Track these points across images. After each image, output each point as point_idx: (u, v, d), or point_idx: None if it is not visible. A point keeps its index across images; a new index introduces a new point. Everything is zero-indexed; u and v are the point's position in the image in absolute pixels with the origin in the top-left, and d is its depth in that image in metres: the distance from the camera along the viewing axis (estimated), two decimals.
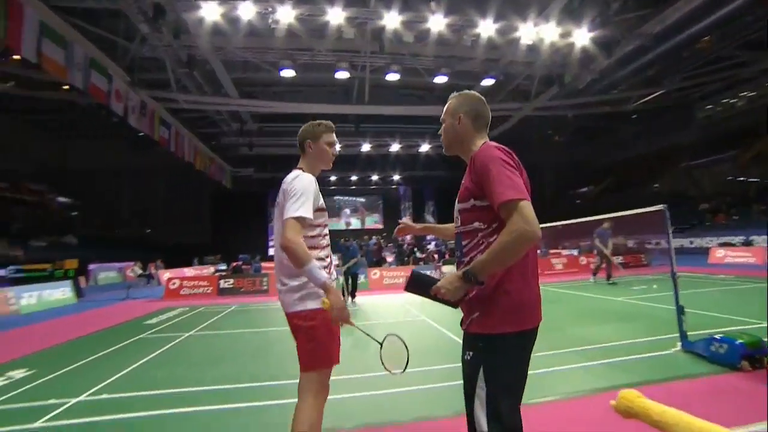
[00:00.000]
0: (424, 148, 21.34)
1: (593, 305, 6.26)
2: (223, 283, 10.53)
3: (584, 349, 3.96)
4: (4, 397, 3.40)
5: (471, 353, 1.43)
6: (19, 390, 3.58)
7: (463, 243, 1.57)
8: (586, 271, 11.39)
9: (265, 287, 10.62)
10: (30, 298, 9.01)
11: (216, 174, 20.08)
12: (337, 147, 2.04)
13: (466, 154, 1.66)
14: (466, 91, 1.70)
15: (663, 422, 1.04)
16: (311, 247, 1.87)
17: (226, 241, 24.81)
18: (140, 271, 14.35)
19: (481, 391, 1.36)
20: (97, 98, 10.11)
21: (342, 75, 12.87)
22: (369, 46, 11.67)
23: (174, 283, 10.18)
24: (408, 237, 21.50)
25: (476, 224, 1.52)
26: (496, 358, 1.39)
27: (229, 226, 25.78)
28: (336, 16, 10.23)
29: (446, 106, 1.70)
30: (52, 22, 8.27)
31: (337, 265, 7.91)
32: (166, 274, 13.46)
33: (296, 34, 11.03)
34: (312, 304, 1.77)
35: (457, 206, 1.62)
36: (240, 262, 15.04)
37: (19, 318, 8.02)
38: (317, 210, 1.91)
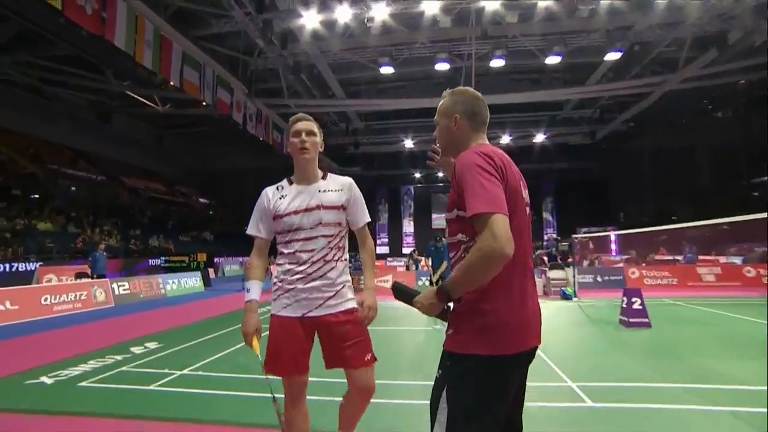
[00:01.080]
0: (539, 138, 19.99)
1: (757, 333, 5.27)
2: None
3: (737, 389, 3.35)
4: (139, 362, 4.43)
5: (440, 371, 1.35)
6: (149, 358, 4.58)
7: (450, 255, 1.47)
8: (755, 285, 9.58)
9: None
10: (173, 284, 11.48)
11: None
12: (304, 135, 1.93)
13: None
14: (461, 88, 1.56)
15: None
16: (282, 262, 1.87)
17: None
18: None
19: (442, 411, 1.28)
20: (223, 110, 12.50)
21: (442, 66, 12.85)
22: (469, 32, 11.58)
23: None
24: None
25: (459, 236, 1.41)
26: (461, 379, 1.28)
27: None
28: (430, 6, 10.41)
29: (439, 106, 1.56)
30: (190, 49, 10.64)
31: (430, 274, 7.39)
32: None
33: (392, 30, 11.63)
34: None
35: (445, 216, 1.49)
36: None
37: (165, 300, 10.35)
38: (275, 217, 1.87)
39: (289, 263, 1.82)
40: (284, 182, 1.91)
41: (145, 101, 16.22)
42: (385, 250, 27.13)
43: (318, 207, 1.84)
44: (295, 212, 1.83)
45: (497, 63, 12.45)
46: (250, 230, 1.90)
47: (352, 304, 1.89)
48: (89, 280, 9.96)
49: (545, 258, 14.36)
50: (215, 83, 11.60)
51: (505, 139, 19.78)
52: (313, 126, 1.95)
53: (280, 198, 1.85)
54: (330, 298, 1.83)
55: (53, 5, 6.98)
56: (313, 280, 1.82)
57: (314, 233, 1.82)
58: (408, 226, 27.93)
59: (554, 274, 10.19)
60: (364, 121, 20.36)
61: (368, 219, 1.92)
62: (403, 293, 1.39)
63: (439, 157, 1.65)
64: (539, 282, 10.19)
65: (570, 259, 11.02)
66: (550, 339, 5.11)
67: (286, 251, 1.83)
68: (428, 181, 27.74)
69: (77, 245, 14.60)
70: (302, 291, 1.82)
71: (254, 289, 1.82)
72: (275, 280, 1.89)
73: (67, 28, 9.71)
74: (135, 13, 8.63)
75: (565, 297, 9.24)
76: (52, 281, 11.03)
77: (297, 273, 1.80)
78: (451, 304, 1.36)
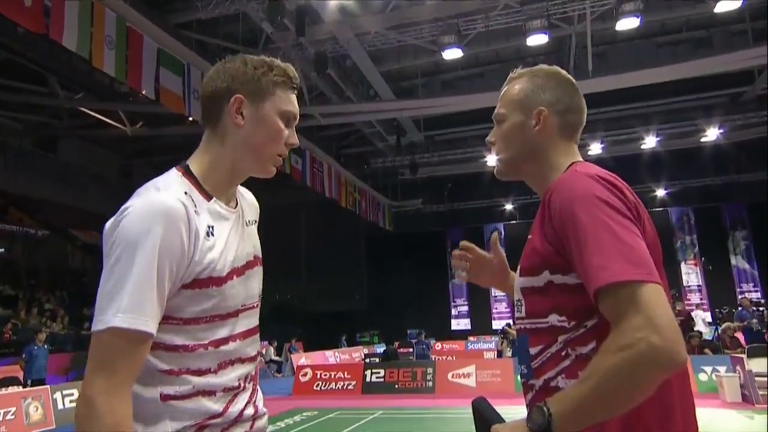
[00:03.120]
0: (713, 134, 18.99)
1: None
2: (370, 376, 11.31)
3: None
4: None
5: None
6: None
7: (531, 351, 1.41)
8: None
9: (430, 382, 10.92)
10: None
11: (370, 212, 22.30)
12: (293, 124, 1.59)
13: (541, 180, 1.52)
14: (545, 68, 1.58)
15: None
16: (181, 372, 1.37)
17: (390, 309, 26.77)
18: (272, 356, 16.68)
19: None
20: None
21: (538, 40, 12.91)
22: None
23: (305, 374, 11.48)
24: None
25: (553, 319, 1.37)
26: None
27: (392, 285, 27.84)
28: None
29: (507, 92, 1.60)
30: (169, 44, 10.97)
31: None
32: (301, 359, 15.32)
33: None
34: None
35: (518, 281, 1.47)
36: (397, 344, 15.87)
37: None
38: (198, 283, 1.37)
39: (206, 390, 1.39)
40: (189, 189, 1.39)
41: (105, 120, 17.02)
42: (463, 324, 26.97)
43: (256, 259, 1.56)
44: (237, 272, 1.46)
45: (629, 23, 12.40)
46: (133, 320, 1.22)
47: None
48: (19, 389, 10.06)
49: (739, 336, 13.59)
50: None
51: (651, 142, 19.21)
52: None
53: (208, 233, 1.39)
54: None
55: None
56: (247, 421, 1.48)
57: (254, 320, 1.54)
58: None
59: (760, 364, 9.66)
60: (423, 131, 20.71)
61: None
62: (479, 418, 1.35)
63: (500, 168, 1.63)
64: (731, 379, 9.93)
65: None
66: None
67: (200, 364, 1.39)
68: (527, 214, 27.07)
69: (5, 335, 14.95)
70: None
71: None
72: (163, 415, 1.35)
73: None
74: (90, 1, 8.93)
75: None
76: None
77: (226, 405, 1.42)
78: None
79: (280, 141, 1.49)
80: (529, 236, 1.45)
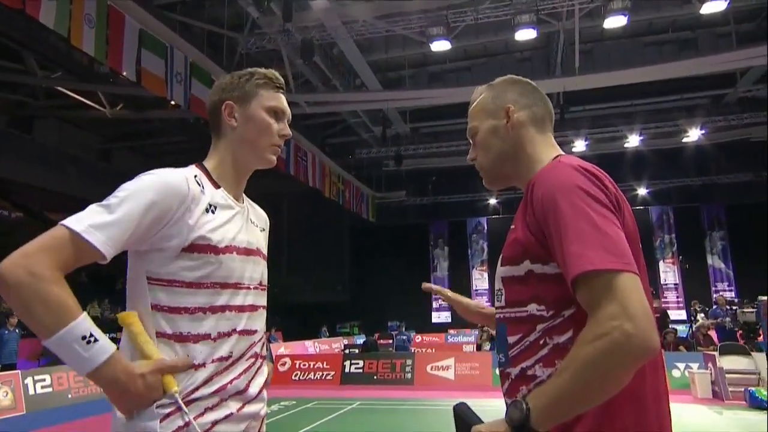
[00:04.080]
0: (695, 135, 19.27)
1: None
2: (349, 366, 11.35)
3: None
4: None
5: None
6: None
7: (510, 340, 1.44)
8: None
9: (409, 374, 10.98)
10: None
11: (354, 203, 22.25)
12: (286, 119, 1.80)
13: (527, 176, 1.52)
14: (500, 78, 1.66)
15: None
16: (181, 337, 1.51)
17: (372, 301, 26.85)
18: None
19: None
20: (200, 112, 12.56)
21: (526, 35, 12.96)
22: None
23: (284, 364, 11.48)
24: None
25: (532, 308, 1.39)
26: None
27: (374, 277, 27.90)
28: None
29: (473, 108, 1.66)
30: (152, 26, 10.82)
31: None
32: (280, 349, 15.31)
33: None
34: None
35: (499, 270, 1.51)
36: (377, 336, 15.93)
37: (106, 402, 10.43)
38: (195, 247, 1.53)
39: (226, 355, 1.58)
40: (198, 173, 1.66)
41: (84, 101, 16.78)
42: (443, 317, 27.07)
43: (258, 251, 1.76)
44: (237, 250, 1.65)
45: (616, 21, 12.58)
46: (90, 232, 1.41)
47: None
48: None
49: (712, 334, 14.07)
50: (188, 73, 11.71)
51: (634, 141, 19.48)
52: None
53: (208, 209, 1.62)
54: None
55: None
56: (251, 401, 1.63)
57: (259, 300, 1.73)
58: (479, 279, 27.94)
59: (731, 362, 10.07)
60: (409, 123, 20.76)
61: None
62: (459, 420, 1.37)
63: (487, 178, 1.66)
64: (703, 376, 10.29)
65: (761, 337, 11.03)
66: None
67: (198, 329, 1.55)
68: (510, 209, 27.29)
69: None
70: (240, 419, 1.59)
71: (97, 331, 1.40)
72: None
73: None
74: None
75: (756, 402, 8.99)
76: None
77: (230, 378, 1.58)
78: None
79: (271, 133, 1.71)
80: (512, 226, 1.48)
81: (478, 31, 14.95)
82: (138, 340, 1.47)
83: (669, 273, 25.99)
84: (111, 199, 1.47)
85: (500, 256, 1.51)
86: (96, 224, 1.41)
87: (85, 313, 1.38)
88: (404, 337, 15.26)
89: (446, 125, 21.01)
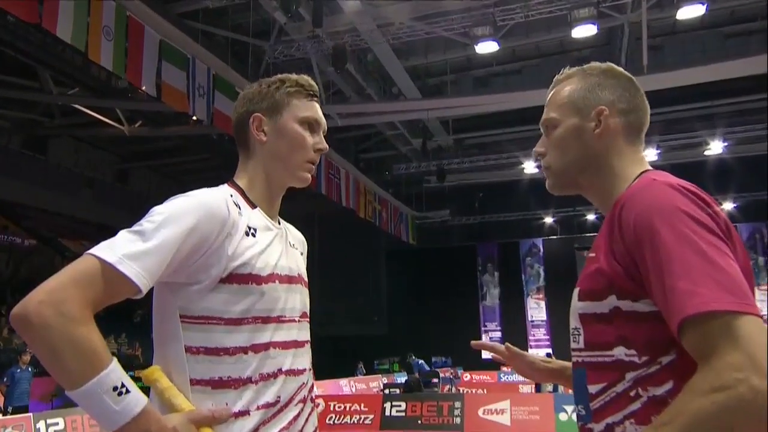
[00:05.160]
0: None
1: None
2: (389, 409, 11.24)
3: None
4: None
5: None
6: None
7: (591, 390, 1.38)
8: None
9: (458, 418, 10.84)
10: None
11: (391, 224, 22.32)
12: (322, 130, 1.79)
13: (603, 192, 1.49)
14: (599, 65, 1.56)
15: None
16: (220, 383, 1.48)
17: (412, 335, 26.66)
18: None
19: None
20: (224, 128, 12.84)
21: (585, 31, 12.84)
22: None
23: (317, 405, 11.34)
24: None
25: (620, 352, 1.33)
26: None
27: (415, 306, 27.76)
28: None
29: (557, 95, 1.57)
30: (172, 36, 11.17)
31: None
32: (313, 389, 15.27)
33: None
34: None
35: (576, 306, 1.44)
36: (427, 372, 15.76)
37: None
38: (235, 277, 1.51)
39: (273, 401, 1.53)
40: (234, 193, 1.64)
41: (101, 118, 17.33)
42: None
43: (300, 278, 1.74)
44: (280, 278, 1.63)
45: (692, 11, 12.37)
46: (125, 263, 1.35)
47: None
48: None
49: None
50: (211, 86, 12.00)
51: (717, 147, 19.32)
52: None
53: (248, 233, 1.59)
54: None
55: None
56: None
57: (303, 333, 1.69)
58: (535, 308, 27.36)
59: None
60: (452, 133, 20.76)
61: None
62: None
63: (553, 181, 1.59)
64: None
65: None
66: None
67: (240, 372, 1.51)
68: (568, 228, 27.06)
69: None
70: None
71: (129, 381, 1.37)
72: None
73: None
74: None
75: None
76: None
77: (279, 428, 1.53)
78: None
79: (305, 147, 1.69)
80: (591, 254, 1.42)
81: (528, 29, 14.93)
82: (165, 396, 1.44)
83: (764, 302, 24.99)
84: (145, 224, 1.43)
85: (576, 289, 1.45)
86: (130, 253, 1.35)
87: (115, 360, 1.34)
88: (452, 376, 15.02)
89: (494, 135, 20.96)
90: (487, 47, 13.29)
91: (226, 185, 1.67)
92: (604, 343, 1.35)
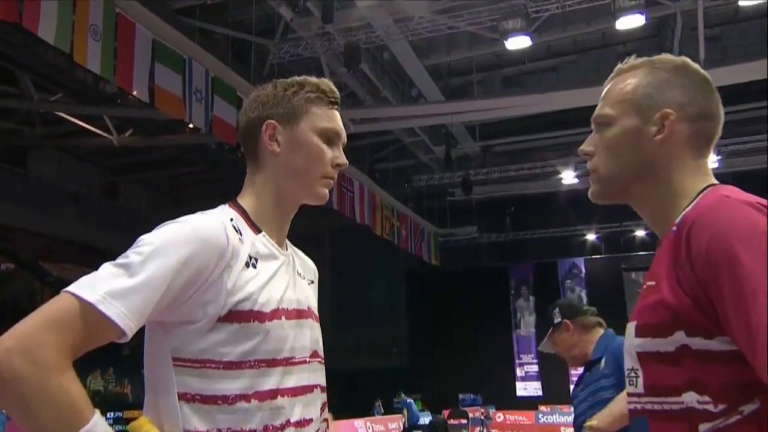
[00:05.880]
0: None
1: None
2: None
3: None
4: None
5: None
6: None
7: None
8: None
9: None
10: None
11: (412, 242, 22.29)
12: (341, 143, 1.76)
13: (658, 207, 1.47)
14: (670, 58, 1.51)
15: None
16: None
17: (436, 368, 26.48)
18: None
19: None
20: (224, 137, 12.94)
21: (632, 22, 12.76)
22: None
23: None
24: None
25: (691, 399, 1.28)
26: None
27: (439, 336, 27.56)
28: None
29: (616, 88, 1.52)
30: (166, 35, 11.31)
31: None
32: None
33: None
34: None
35: (633, 343, 1.40)
36: (446, 413, 15.64)
37: None
38: (233, 316, 1.50)
39: None
40: (234, 216, 1.61)
41: (87, 127, 17.50)
42: (532, 389, 26.45)
43: (310, 311, 1.71)
44: (286, 314, 1.60)
45: None
46: (107, 302, 1.31)
47: None
48: None
49: None
50: (210, 90, 12.10)
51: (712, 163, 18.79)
52: None
53: (249, 263, 1.57)
54: None
55: None
56: None
57: (315, 376, 1.68)
58: None
59: None
60: (479, 140, 20.71)
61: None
62: None
63: (599, 187, 1.56)
64: None
65: None
66: None
67: (242, 424, 1.50)
68: (614, 246, 26.81)
69: None
70: None
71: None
72: None
73: None
74: None
75: None
76: None
77: None
78: None
79: (323, 162, 1.65)
80: (650, 283, 1.38)
81: (565, 21, 14.93)
82: None
83: None
84: (131, 256, 1.39)
85: (631, 323, 1.42)
86: (114, 291, 1.32)
87: (97, 413, 1.30)
88: (483, 417, 14.87)
89: (527, 141, 20.94)
90: (518, 42, 13.19)
91: (226, 206, 1.64)
92: (670, 388, 1.32)
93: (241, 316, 1.48)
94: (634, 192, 1.51)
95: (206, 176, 23.01)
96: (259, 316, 1.51)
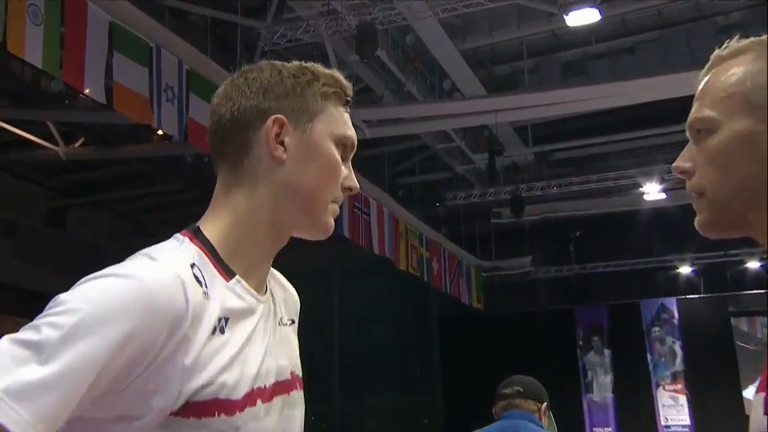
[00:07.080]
0: None
1: None
2: None
3: None
4: None
5: None
6: None
7: None
8: None
9: None
10: None
11: (446, 278, 22.34)
12: (350, 155, 1.67)
13: None
14: None
15: None
16: None
17: (477, 419, 26.35)
18: None
19: None
20: (201, 145, 13.00)
21: None
22: None
23: None
24: None
25: None
26: None
27: (482, 401, 27.33)
28: None
29: (716, 81, 1.48)
30: (127, 17, 11.41)
31: None
32: None
33: None
34: None
35: (760, 421, 1.38)
36: None
37: None
38: (184, 411, 1.35)
39: None
40: (197, 256, 1.46)
41: (25, 136, 17.69)
42: None
43: (294, 378, 1.67)
44: (262, 395, 1.51)
45: None
46: (4, 404, 1.12)
47: None
48: None
49: None
50: (184, 87, 12.23)
51: None
52: None
53: (215, 329, 1.43)
54: None
55: None
56: None
57: None
58: (671, 406, 26.73)
59: None
60: (532, 145, 20.83)
61: None
62: None
63: (707, 214, 1.51)
64: None
65: None
66: None
67: None
68: (718, 281, 26.62)
69: None
70: None
71: None
72: None
73: None
74: None
75: None
76: None
77: None
78: None
79: (337, 180, 1.58)
80: None
81: None
82: None
83: None
84: (44, 330, 1.21)
85: (759, 395, 1.41)
86: (15, 387, 1.13)
87: None
88: None
89: (595, 146, 20.99)
90: (582, 17, 13.32)
91: (186, 240, 1.50)
92: None
93: (202, 408, 1.37)
94: (754, 219, 1.46)
95: (179, 198, 23.19)
96: (227, 407, 1.40)
